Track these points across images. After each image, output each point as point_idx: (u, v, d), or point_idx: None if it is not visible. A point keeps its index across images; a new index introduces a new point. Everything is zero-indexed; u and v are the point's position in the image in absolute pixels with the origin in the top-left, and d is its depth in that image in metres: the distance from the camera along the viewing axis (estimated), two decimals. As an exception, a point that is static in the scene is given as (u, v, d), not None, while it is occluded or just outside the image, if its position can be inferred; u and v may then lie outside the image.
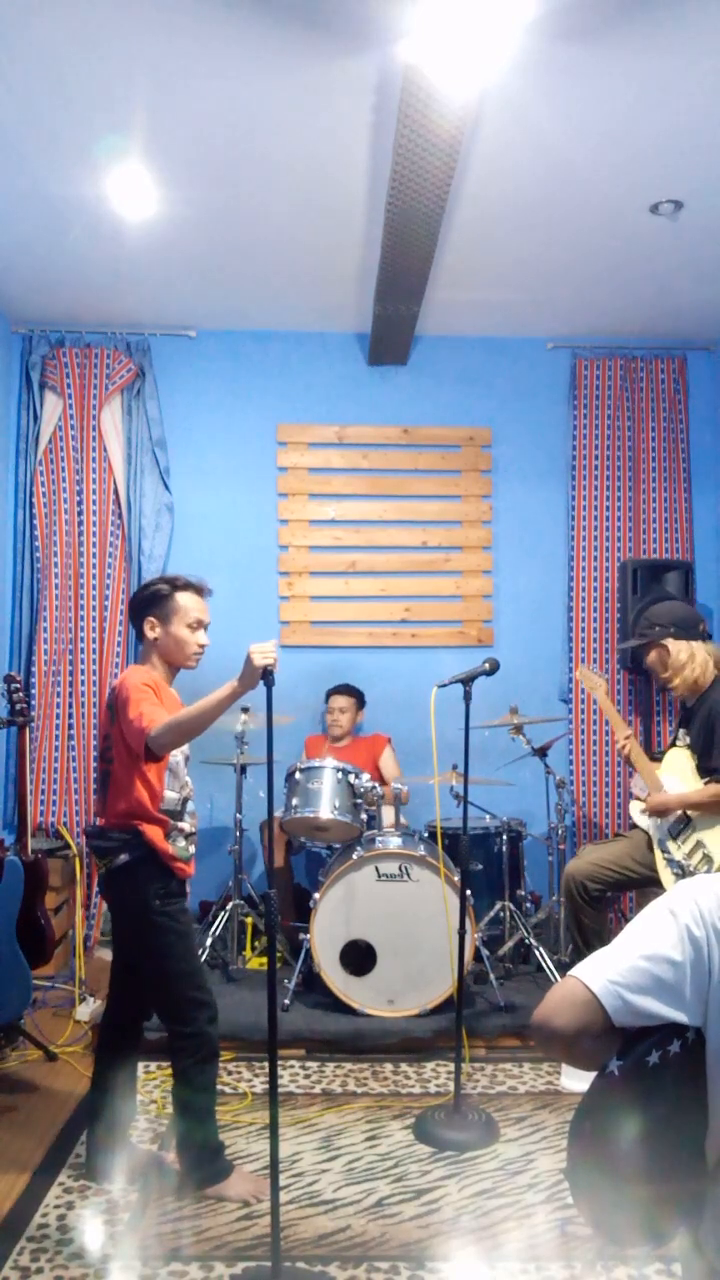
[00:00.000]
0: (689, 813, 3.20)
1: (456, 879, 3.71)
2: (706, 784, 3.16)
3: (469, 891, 3.62)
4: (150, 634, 2.80)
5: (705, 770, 3.18)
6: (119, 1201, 2.73)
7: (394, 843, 3.99)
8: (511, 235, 4.24)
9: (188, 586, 2.85)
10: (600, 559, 5.32)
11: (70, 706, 5.06)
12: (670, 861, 3.24)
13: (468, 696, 3.27)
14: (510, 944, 4.36)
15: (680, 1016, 1.22)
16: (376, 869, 3.88)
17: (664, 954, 1.24)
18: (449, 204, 3.84)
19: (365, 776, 4.20)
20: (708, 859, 3.12)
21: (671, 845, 3.25)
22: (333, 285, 4.77)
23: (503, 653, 5.18)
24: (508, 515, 5.42)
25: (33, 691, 4.98)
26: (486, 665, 3.31)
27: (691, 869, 3.13)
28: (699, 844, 3.16)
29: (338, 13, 2.82)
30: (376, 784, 4.24)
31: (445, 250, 4.31)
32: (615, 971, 1.24)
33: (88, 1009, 3.99)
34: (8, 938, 3.34)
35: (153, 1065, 3.47)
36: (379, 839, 4.05)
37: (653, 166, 3.67)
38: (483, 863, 4.43)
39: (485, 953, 4.13)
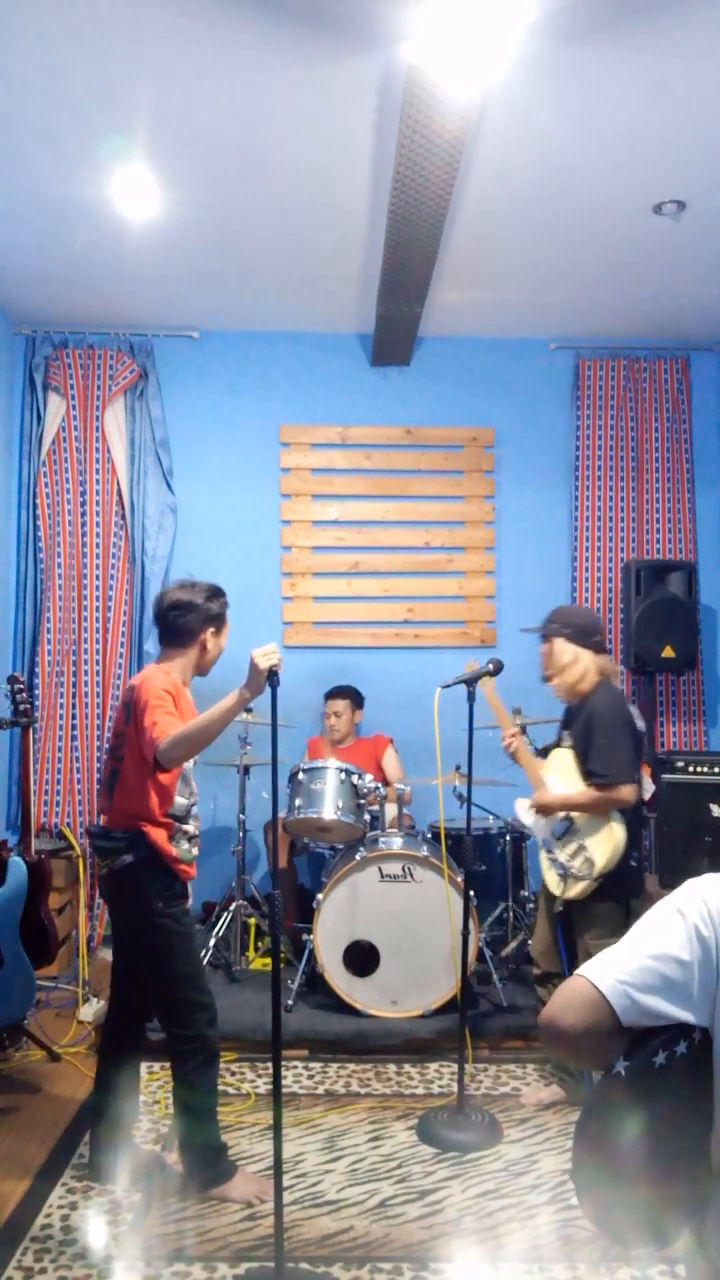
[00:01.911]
0: (572, 815, 3.25)
1: (460, 880, 3.71)
2: (588, 786, 3.21)
3: (472, 892, 3.62)
4: (209, 644, 2.88)
5: (586, 773, 3.22)
6: (122, 1202, 2.73)
7: (397, 843, 4.00)
8: (514, 236, 4.23)
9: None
10: (604, 559, 5.31)
11: (74, 707, 5.06)
12: (554, 863, 3.28)
13: (471, 697, 3.27)
14: (513, 945, 4.36)
15: (688, 1016, 1.22)
16: (379, 869, 3.88)
17: (672, 953, 1.24)
18: (452, 204, 3.84)
19: (368, 777, 4.21)
20: (589, 862, 3.16)
21: (556, 846, 3.29)
22: (336, 286, 4.77)
23: (506, 653, 5.14)
24: (511, 516, 5.42)
25: (36, 692, 4.98)
26: (490, 666, 3.32)
27: (574, 871, 3.19)
28: (581, 847, 3.20)
29: (340, 13, 2.82)
30: (379, 784, 4.24)
31: (448, 251, 4.31)
32: (623, 971, 1.23)
33: (91, 1009, 4.00)
34: (11, 938, 3.34)
35: (156, 1066, 3.47)
36: (382, 839, 4.05)
37: (655, 167, 3.67)
38: (486, 864, 4.43)
39: (488, 954, 4.12)
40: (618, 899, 3.20)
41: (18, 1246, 2.50)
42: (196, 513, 5.28)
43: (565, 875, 3.22)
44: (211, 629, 2.88)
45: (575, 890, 3.19)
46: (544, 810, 3.32)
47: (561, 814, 3.28)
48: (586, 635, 3.34)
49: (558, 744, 3.46)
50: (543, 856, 3.39)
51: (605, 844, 3.16)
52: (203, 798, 3.13)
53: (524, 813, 3.45)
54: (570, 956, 3.28)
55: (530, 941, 4.23)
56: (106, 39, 2.94)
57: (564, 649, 3.33)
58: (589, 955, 3.14)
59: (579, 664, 3.31)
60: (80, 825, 4.97)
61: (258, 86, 3.18)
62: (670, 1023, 1.22)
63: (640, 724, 3.35)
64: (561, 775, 3.32)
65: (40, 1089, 3.42)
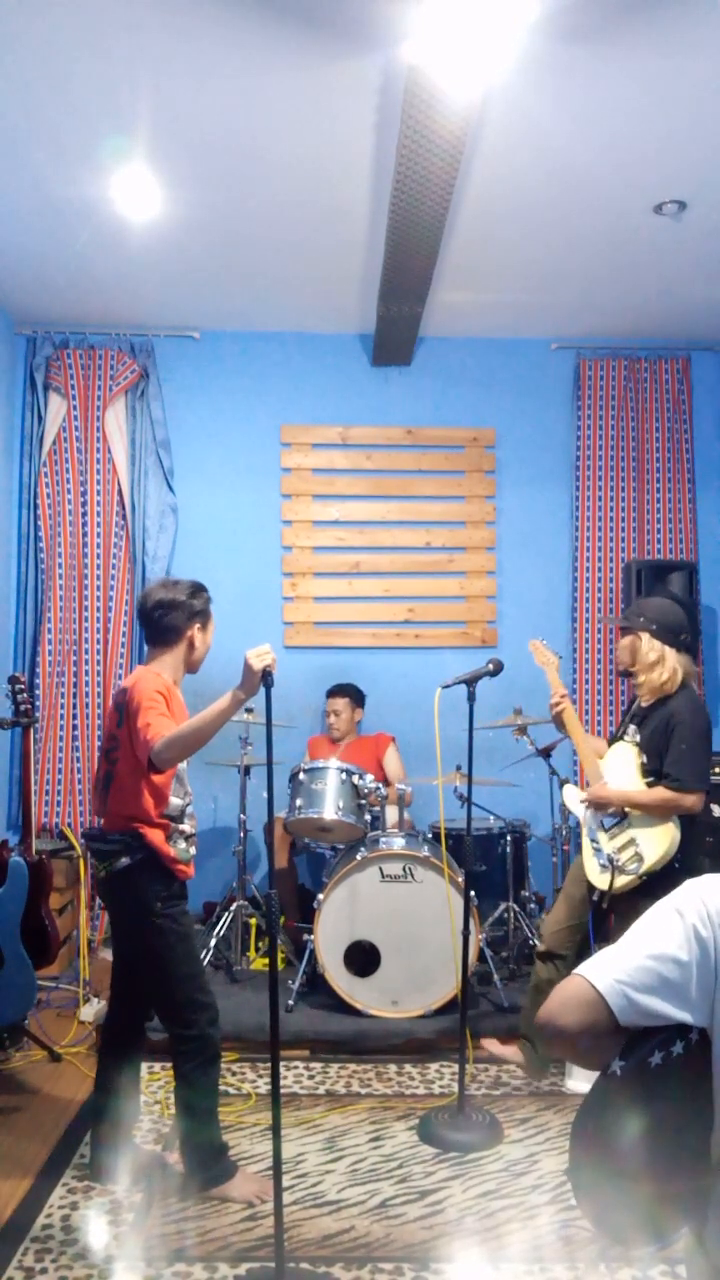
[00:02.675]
0: (626, 809, 3.22)
1: (460, 880, 3.71)
2: (651, 785, 3.17)
3: (473, 892, 3.62)
4: (196, 640, 2.87)
5: (652, 772, 3.18)
6: (123, 1202, 2.73)
7: (398, 843, 3.99)
8: (515, 236, 4.23)
9: None
10: (604, 560, 5.31)
11: (74, 707, 5.07)
12: (598, 852, 3.25)
13: (472, 697, 3.27)
14: (514, 945, 4.35)
15: (686, 1017, 1.22)
16: (380, 870, 3.88)
17: (670, 954, 1.24)
18: (452, 205, 3.84)
19: (369, 777, 4.20)
20: (639, 857, 3.13)
21: (602, 837, 3.25)
22: (336, 286, 4.78)
23: (506, 654, 5.14)
24: (511, 516, 5.42)
25: (37, 692, 4.98)
26: (490, 666, 3.31)
27: (620, 864, 3.15)
28: (632, 841, 3.17)
29: (341, 14, 2.82)
30: (380, 784, 4.24)
31: (449, 251, 4.31)
32: (621, 971, 1.23)
33: (92, 1010, 4.00)
34: (12, 938, 3.34)
35: (156, 1066, 3.47)
36: (383, 840, 4.05)
37: (656, 167, 3.66)
38: (487, 864, 4.43)
39: (489, 954, 4.12)
40: (660, 898, 3.16)
41: (18, 1246, 2.50)
42: (197, 513, 5.28)
43: (610, 866, 3.17)
44: (198, 625, 2.87)
45: (619, 884, 3.14)
46: (600, 806, 3.27)
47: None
48: (674, 634, 3.26)
49: (618, 737, 3.39)
50: (585, 843, 3.33)
51: (660, 843, 3.11)
52: (203, 798, 3.15)
53: (573, 801, 3.42)
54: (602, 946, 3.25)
55: (536, 936, 4.24)
56: (108, 40, 2.95)
57: (651, 646, 3.24)
58: None
59: (666, 663, 3.23)
60: (81, 825, 4.97)
61: (258, 87, 3.19)
62: (668, 1023, 1.22)
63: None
64: (621, 771, 3.26)
65: (41, 1089, 3.42)
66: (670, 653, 3.23)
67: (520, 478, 5.42)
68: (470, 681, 3.28)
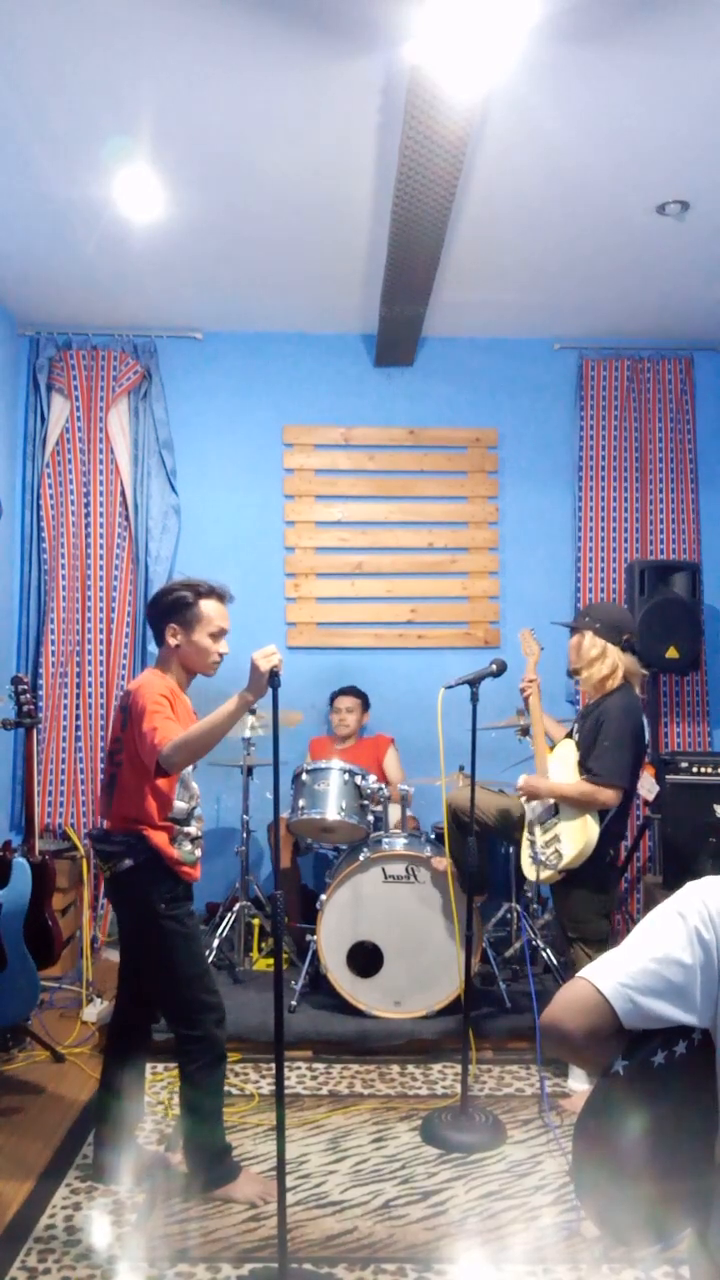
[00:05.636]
0: (558, 805, 3.37)
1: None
2: (581, 780, 3.33)
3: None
4: (172, 641, 2.76)
5: (584, 768, 3.33)
6: (126, 1202, 2.73)
7: (400, 844, 3.99)
8: (517, 236, 4.23)
9: (210, 593, 2.81)
10: (607, 560, 5.31)
11: (77, 708, 5.07)
12: (531, 844, 3.41)
13: (475, 698, 3.27)
14: (517, 945, 4.35)
15: (689, 1019, 1.22)
16: (383, 870, 3.88)
17: (674, 956, 1.24)
18: (455, 205, 3.84)
19: (372, 778, 4.21)
20: (558, 854, 3.29)
21: (538, 831, 3.41)
22: (339, 286, 4.78)
23: (509, 654, 5.15)
24: (514, 517, 5.41)
25: (40, 693, 4.99)
26: (494, 667, 3.32)
27: (543, 859, 3.32)
28: (556, 836, 3.32)
29: (344, 14, 2.82)
30: (383, 785, 4.24)
31: (451, 251, 4.31)
32: (625, 974, 1.23)
33: (95, 1010, 4.00)
34: (15, 939, 3.35)
35: (160, 1066, 3.47)
36: (385, 840, 4.05)
37: (659, 167, 3.66)
38: (489, 864, 4.42)
39: (492, 954, 4.12)
40: (590, 888, 3.33)
41: (21, 1246, 2.50)
42: (200, 514, 5.28)
43: (535, 860, 3.36)
44: (172, 624, 2.75)
45: (542, 876, 3.35)
46: (530, 794, 3.43)
47: (550, 800, 3.39)
48: (616, 632, 3.39)
49: (569, 735, 3.53)
50: (524, 837, 3.51)
51: (578, 839, 3.26)
52: (207, 799, 3.14)
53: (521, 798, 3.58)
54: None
55: (538, 937, 4.24)
56: (110, 41, 2.95)
57: (593, 643, 3.39)
58: (567, 936, 3.27)
59: (607, 659, 3.37)
60: (84, 826, 4.97)
61: (261, 88, 3.19)
62: (671, 1025, 1.22)
63: (646, 735, 3.41)
64: (563, 766, 3.41)
65: (44, 1089, 3.43)
66: (613, 650, 3.38)
67: (523, 478, 5.41)
68: (473, 682, 3.29)
